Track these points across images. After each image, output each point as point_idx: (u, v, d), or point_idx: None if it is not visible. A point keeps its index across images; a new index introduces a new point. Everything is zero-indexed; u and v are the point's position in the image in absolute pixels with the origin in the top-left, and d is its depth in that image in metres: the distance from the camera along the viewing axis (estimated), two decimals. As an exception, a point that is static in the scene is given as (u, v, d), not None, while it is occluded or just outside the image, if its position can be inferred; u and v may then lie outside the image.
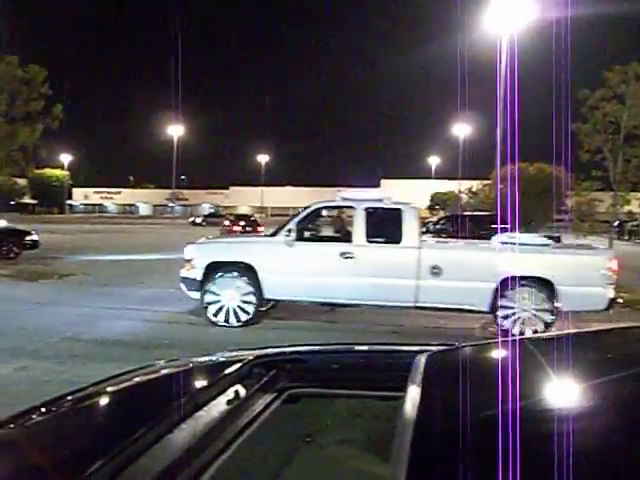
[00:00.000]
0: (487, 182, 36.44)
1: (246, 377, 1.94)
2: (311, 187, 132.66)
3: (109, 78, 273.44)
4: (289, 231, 13.14)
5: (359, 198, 13.53)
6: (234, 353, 2.43)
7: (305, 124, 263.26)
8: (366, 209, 12.92)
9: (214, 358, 2.41)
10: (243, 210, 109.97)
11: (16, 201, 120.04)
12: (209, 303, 12.92)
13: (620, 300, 12.50)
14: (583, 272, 12.14)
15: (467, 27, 40.17)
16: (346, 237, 13.15)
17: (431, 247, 13.03)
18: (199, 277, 13.05)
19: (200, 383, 2.07)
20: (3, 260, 24.00)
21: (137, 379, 2.21)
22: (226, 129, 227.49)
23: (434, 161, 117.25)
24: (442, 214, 68.77)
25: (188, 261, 13.32)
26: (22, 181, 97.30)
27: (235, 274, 12.90)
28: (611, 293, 12.03)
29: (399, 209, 12.88)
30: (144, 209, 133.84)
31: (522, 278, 11.90)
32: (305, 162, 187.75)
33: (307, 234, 13.49)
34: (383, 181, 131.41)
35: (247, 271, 12.87)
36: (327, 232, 14.02)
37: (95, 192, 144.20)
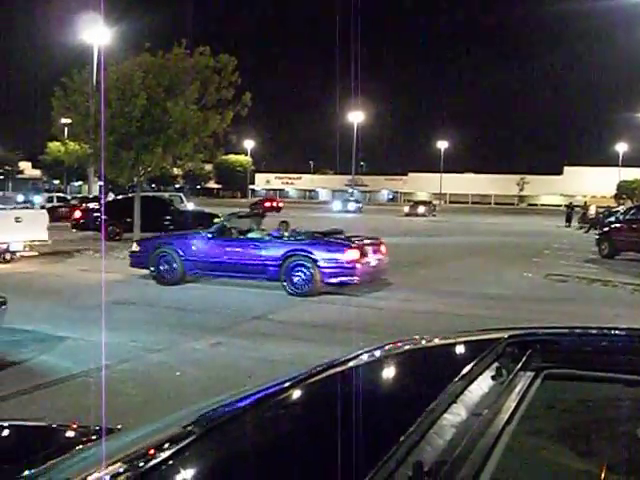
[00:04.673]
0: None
1: (503, 355, 1.98)
2: (492, 174, 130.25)
3: (293, 65, 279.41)
4: None
5: None
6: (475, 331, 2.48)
7: (487, 110, 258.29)
8: None
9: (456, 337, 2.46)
10: (422, 196, 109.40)
11: (202, 185, 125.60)
12: None
13: None
14: None
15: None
16: None
17: None
18: None
19: (460, 360, 2.11)
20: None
21: (392, 356, 2.27)
22: (407, 115, 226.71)
23: (622, 148, 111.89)
24: (629, 203, 65.67)
25: None
26: (208, 166, 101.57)
27: None
28: None
29: None
30: (323, 194, 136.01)
31: None
32: (486, 149, 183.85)
33: None
34: (567, 168, 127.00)
35: None
36: None
37: (276, 177, 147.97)
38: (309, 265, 14.59)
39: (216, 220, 17.11)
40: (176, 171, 45.04)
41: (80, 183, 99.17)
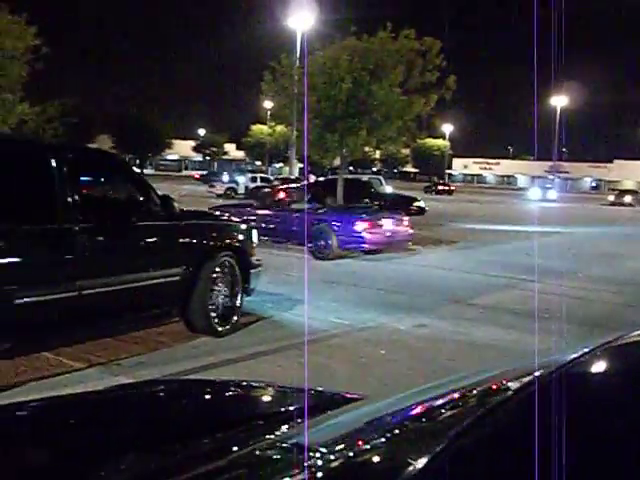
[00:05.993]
0: None
1: None
2: None
3: (495, 49, 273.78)
4: None
5: None
6: None
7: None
8: None
9: None
10: (628, 185, 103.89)
11: (398, 169, 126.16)
12: None
13: None
14: None
15: None
16: None
17: None
18: None
19: None
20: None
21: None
22: (613, 99, 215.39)
23: None
24: None
25: None
26: (405, 150, 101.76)
27: None
28: None
29: None
30: (522, 181, 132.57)
31: None
32: None
33: None
34: None
35: None
36: None
37: (474, 162, 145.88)
38: (329, 233, 17.29)
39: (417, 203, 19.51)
40: (374, 154, 45.52)
41: (280, 165, 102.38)
